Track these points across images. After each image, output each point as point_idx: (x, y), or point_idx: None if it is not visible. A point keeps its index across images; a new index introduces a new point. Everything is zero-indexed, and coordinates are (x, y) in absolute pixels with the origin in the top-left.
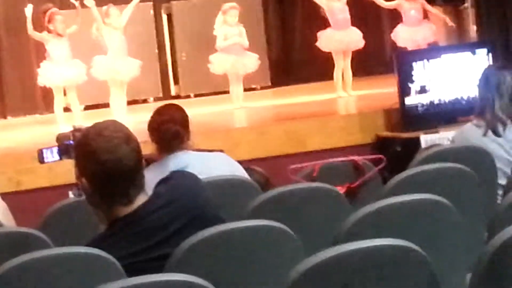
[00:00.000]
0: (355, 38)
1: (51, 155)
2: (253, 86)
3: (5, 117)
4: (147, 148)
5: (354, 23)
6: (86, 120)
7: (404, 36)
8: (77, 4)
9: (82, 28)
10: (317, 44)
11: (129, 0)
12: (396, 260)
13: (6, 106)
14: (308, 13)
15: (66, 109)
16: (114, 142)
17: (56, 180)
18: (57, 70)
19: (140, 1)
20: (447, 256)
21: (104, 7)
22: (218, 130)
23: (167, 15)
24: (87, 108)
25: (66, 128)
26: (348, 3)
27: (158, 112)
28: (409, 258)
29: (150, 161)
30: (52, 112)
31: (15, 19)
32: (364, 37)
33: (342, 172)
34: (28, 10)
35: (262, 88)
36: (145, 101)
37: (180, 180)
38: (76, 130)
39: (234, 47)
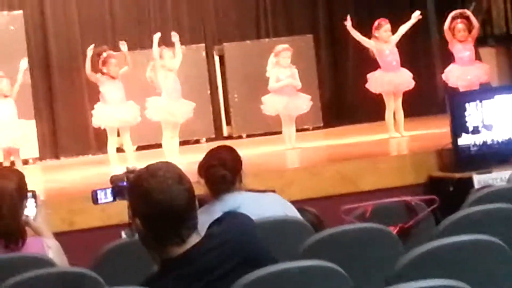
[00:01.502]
0: (405, 79)
1: (105, 196)
2: (305, 127)
3: (58, 158)
4: (199, 189)
5: (406, 63)
6: (139, 160)
7: (456, 75)
8: (124, 48)
9: (135, 70)
10: (367, 86)
11: (184, 42)
12: None
13: (58, 147)
14: (359, 54)
15: (119, 150)
16: (167, 183)
17: (109, 221)
18: (111, 111)
19: (193, 43)
20: None
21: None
22: (270, 170)
23: (219, 56)
24: (140, 148)
25: (119, 169)
26: (398, 45)
27: (208, 155)
28: None
29: (203, 202)
30: (104, 152)
31: (68, 59)
32: (416, 78)
33: (394, 213)
34: (90, 50)
35: (314, 128)
36: (197, 141)
37: (233, 221)
38: (129, 171)
39: (287, 89)
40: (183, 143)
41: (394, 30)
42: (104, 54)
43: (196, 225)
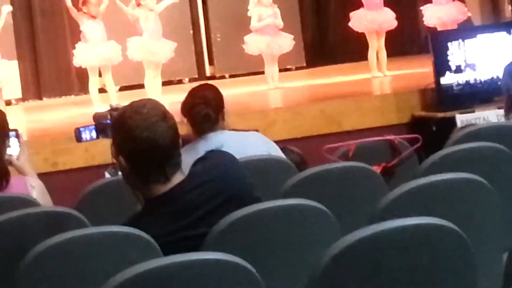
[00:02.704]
0: (387, 18)
1: (89, 134)
2: (288, 67)
3: (40, 98)
4: (183, 129)
5: (388, 3)
6: (121, 101)
7: (431, 14)
8: None
9: (116, 10)
10: (350, 24)
11: None
12: (433, 239)
13: (41, 87)
14: None
15: (102, 90)
16: (151, 120)
17: (92, 161)
18: (92, 50)
19: None
20: (483, 235)
21: None
22: (253, 111)
23: None
24: (122, 89)
25: (102, 109)
26: None
27: (191, 94)
28: (445, 236)
29: (186, 141)
30: (87, 93)
31: (49, 1)
32: (398, 18)
33: (378, 152)
34: None
35: (297, 68)
36: (180, 82)
37: (217, 159)
38: (113, 109)
39: (269, 28)
40: (166, 83)
41: None
42: None
43: (180, 164)
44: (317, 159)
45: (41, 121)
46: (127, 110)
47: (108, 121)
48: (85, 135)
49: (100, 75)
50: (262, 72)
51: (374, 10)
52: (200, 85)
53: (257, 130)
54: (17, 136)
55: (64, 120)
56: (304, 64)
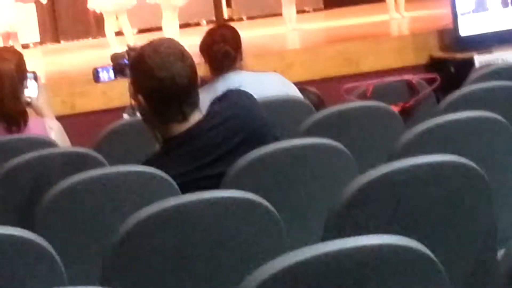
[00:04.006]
0: None
1: (107, 74)
2: (306, 9)
3: (58, 41)
4: (201, 70)
5: None
6: (139, 42)
7: None
8: None
9: None
10: None
11: None
12: (451, 176)
13: (58, 30)
14: None
15: (119, 33)
16: (169, 59)
17: (110, 103)
18: None
19: None
20: (502, 173)
21: None
22: (271, 52)
23: None
24: (140, 31)
25: (120, 50)
26: None
27: (209, 33)
28: (464, 174)
29: (204, 82)
30: (105, 36)
31: None
32: None
33: (396, 92)
34: None
35: (314, 10)
36: (197, 24)
37: (235, 99)
38: (131, 49)
39: None
40: (183, 26)
41: None
42: None
43: (198, 103)
44: (335, 100)
45: (59, 64)
46: (145, 49)
47: (126, 61)
48: (103, 75)
49: (117, 18)
50: (280, 14)
51: None
52: (217, 25)
53: (275, 72)
54: (35, 78)
55: (81, 62)
56: (322, 6)
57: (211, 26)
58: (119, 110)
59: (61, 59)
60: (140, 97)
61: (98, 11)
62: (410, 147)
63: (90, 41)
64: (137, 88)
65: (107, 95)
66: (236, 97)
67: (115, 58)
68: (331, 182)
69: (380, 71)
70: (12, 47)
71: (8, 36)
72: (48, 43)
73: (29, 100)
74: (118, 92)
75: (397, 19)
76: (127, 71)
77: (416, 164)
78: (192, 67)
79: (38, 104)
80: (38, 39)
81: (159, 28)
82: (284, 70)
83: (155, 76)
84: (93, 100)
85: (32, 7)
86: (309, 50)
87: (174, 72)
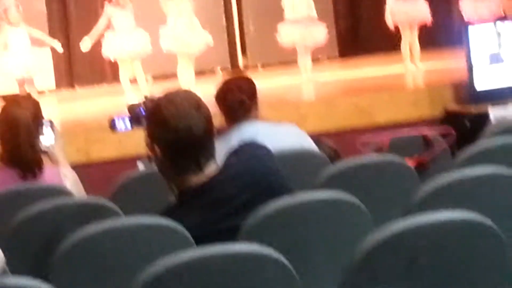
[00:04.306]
0: (421, 11)
1: (123, 124)
2: (320, 57)
3: (73, 87)
4: (216, 120)
5: None
6: (153, 90)
7: (469, 8)
8: None
9: None
10: (386, 16)
11: None
12: (467, 234)
13: (74, 76)
14: None
15: (134, 80)
16: (185, 110)
17: (124, 151)
18: (120, 41)
19: None
20: None
21: None
22: (286, 103)
23: None
24: (155, 78)
25: (134, 99)
26: None
27: (225, 83)
28: (480, 232)
29: (218, 132)
30: (120, 82)
31: None
32: (432, 9)
33: (411, 145)
34: None
35: (329, 59)
36: (212, 71)
37: (251, 152)
38: (147, 99)
39: (303, 18)
40: (198, 73)
41: None
42: None
43: (214, 154)
44: (350, 152)
45: (74, 111)
46: (162, 100)
47: (143, 111)
48: (120, 124)
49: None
50: (295, 62)
51: (408, 2)
52: (233, 76)
53: (290, 123)
54: (51, 125)
55: (97, 110)
56: (337, 55)
57: (226, 74)
58: (134, 159)
59: (76, 106)
60: (156, 148)
61: (112, 58)
62: (425, 203)
63: (105, 87)
64: (153, 138)
65: (122, 144)
66: (252, 150)
67: (132, 108)
68: (346, 237)
69: (395, 123)
70: (28, 94)
71: (24, 81)
72: (63, 89)
73: (44, 148)
74: (133, 141)
75: (412, 70)
76: (144, 121)
77: (432, 221)
78: (208, 117)
79: (54, 152)
80: (53, 85)
81: (174, 75)
82: (299, 121)
83: (171, 127)
84: (108, 148)
85: (47, 52)
86: (324, 102)
87: (190, 123)
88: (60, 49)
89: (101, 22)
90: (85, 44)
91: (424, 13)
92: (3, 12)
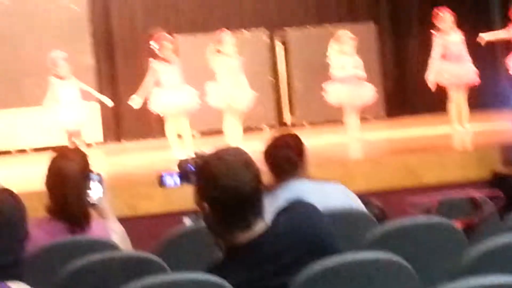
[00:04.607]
0: (469, 73)
1: (172, 180)
2: (367, 117)
3: (120, 141)
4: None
5: (469, 55)
6: (198, 146)
7: None
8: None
9: (196, 52)
10: (428, 77)
11: (244, 25)
12: None
13: (121, 130)
14: (424, 43)
15: (180, 135)
16: (235, 168)
17: (171, 206)
18: (167, 97)
19: (254, 26)
20: None
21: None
22: (332, 161)
23: (282, 43)
24: (202, 134)
25: (180, 154)
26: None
27: (274, 139)
28: None
29: (266, 189)
30: (166, 136)
31: (131, 40)
32: (479, 71)
33: (460, 208)
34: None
35: (376, 118)
36: (259, 128)
37: (299, 210)
38: (197, 156)
39: (351, 78)
40: (245, 130)
41: (457, 20)
42: (159, 37)
43: (262, 211)
44: (397, 213)
45: (121, 164)
46: (212, 158)
47: (192, 168)
48: (168, 180)
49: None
50: (342, 121)
51: (455, 63)
52: (282, 133)
53: (337, 181)
54: (99, 179)
55: (143, 164)
56: (384, 114)
57: (273, 131)
58: (180, 214)
59: (123, 160)
60: (204, 204)
61: (160, 114)
62: (473, 266)
63: (152, 141)
64: (202, 195)
65: (168, 199)
66: (301, 208)
67: (181, 164)
68: None
69: (443, 184)
70: (77, 147)
71: (73, 134)
72: (110, 142)
73: (92, 201)
74: (180, 196)
75: (460, 131)
76: (193, 178)
77: (480, 284)
78: (258, 175)
79: (102, 206)
80: (101, 138)
81: (220, 132)
82: (346, 180)
83: (221, 185)
84: (155, 203)
85: (96, 105)
86: (371, 161)
87: (239, 181)
88: (110, 103)
89: (148, 79)
90: (135, 102)
91: (471, 75)
92: (52, 66)
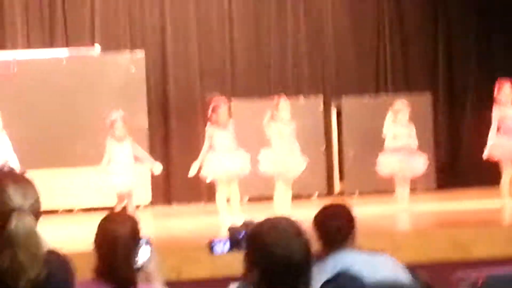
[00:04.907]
0: None
1: (222, 247)
2: (418, 188)
3: (169, 204)
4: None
5: None
6: (246, 213)
7: None
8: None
9: (252, 117)
10: (485, 153)
11: (298, 92)
12: None
13: (171, 193)
14: (478, 116)
15: (229, 200)
16: (287, 237)
17: (218, 272)
18: (218, 162)
19: (311, 93)
20: None
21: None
22: (380, 232)
23: (337, 110)
24: (251, 200)
25: (229, 220)
26: None
27: (324, 208)
28: None
29: (315, 259)
30: (215, 201)
31: (186, 103)
32: None
33: (508, 283)
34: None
35: (427, 190)
36: (309, 196)
37: (346, 282)
38: (247, 223)
39: (403, 148)
40: (294, 197)
41: None
42: (214, 102)
43: (311, 281)
44: (443, 286)
45: (168, 227)
46: (263, 226)
47: (242, 235)
48: (219, 247)
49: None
50: (393, 191)
51: (509, 137)
52: (331, 201)
53: (384, 252)
54: (148, 243)
55: (191, 228)
56: (435, 186)
57: (322, 199)
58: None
59: (171, 223)
60: (254, 272)
61: (209, 179)
62: None
63: (201, 206)
64: (252, 263)
65: (215, 265)
66: (347, 281)
67: (232, 231)
68: None
69: (492, 259)
70: (128, 211)
71: (124, 196)
72: (159, 205)
73: (140, 266)
74: (227, 262)
75: (511, 206)
76: (243, 245)
77: None
78: (308, 245)
79: (149, 270)
80: (149, 200)
81: (269, 198)
82: (393, 251)
83: (272, 253)
84: (201, 268)
85: (146, 168)
86: (419, 233)
87: (291, 251)
88: (159, 171)
89: (206, 145)
90: (192, 171)
91: None
92: (110, 125)
